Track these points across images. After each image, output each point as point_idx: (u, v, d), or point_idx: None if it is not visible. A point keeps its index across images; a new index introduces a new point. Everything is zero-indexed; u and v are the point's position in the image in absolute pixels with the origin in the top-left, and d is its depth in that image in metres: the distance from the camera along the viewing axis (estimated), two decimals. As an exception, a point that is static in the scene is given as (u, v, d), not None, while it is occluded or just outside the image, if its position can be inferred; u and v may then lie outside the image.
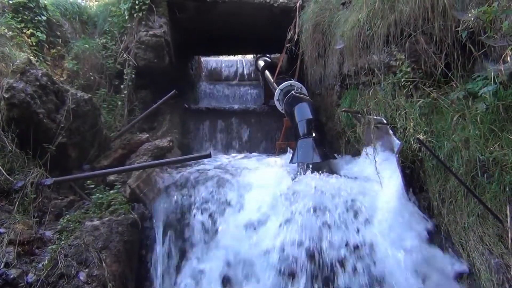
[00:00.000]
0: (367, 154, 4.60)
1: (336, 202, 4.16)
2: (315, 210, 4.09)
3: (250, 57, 13.54)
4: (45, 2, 6.95)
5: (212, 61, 13.29)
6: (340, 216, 4.05)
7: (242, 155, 7.34)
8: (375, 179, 4.33)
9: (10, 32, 6.10)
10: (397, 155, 4.12)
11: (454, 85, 4.12)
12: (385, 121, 4.46)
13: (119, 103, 6.99)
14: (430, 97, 4.24)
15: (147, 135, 5.74)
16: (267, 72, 9.54)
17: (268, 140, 8.46)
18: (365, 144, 4.95)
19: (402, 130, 4.31)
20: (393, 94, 4.65)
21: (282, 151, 6.89)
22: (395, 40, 4.74)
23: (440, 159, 3.56)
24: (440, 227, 3.86)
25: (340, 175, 4.66)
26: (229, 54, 12.58)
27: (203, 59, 13.00)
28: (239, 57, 13.57)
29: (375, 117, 4.60)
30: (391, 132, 4.34)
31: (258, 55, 12.06)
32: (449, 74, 4.21)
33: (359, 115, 4.95)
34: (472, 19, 3.69)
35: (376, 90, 4.84)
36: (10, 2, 6.49)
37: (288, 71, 8.58)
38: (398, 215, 3.89)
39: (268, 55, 11.79)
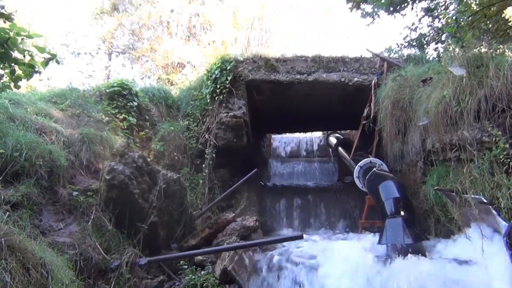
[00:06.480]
0: (468, 236, 4.28)
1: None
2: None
3: (318, 133, 13.67)
4: (137, 89, 7.60)
5: (281, 138, 13.53)
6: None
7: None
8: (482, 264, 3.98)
9: (107, 118, 6.67)
10: (505, 238, 3.81)
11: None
12: (485, 201, 4.18)
13: (200, 181, 7.22)
14: (535, 174, 3.98)
15: (233, 214, 5.80)
16: (340, 149, 9.50)
17: (346, 218, 8.19)
18: (463, 225, 4.63)
19: (507, 210, 4.01)
20: (491, 171, 4.42)
21: (366, 230, 6.62)
22: (486, 115, 4.61)
23: None
24: None
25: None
26: (299, 132, 12.77)
27: (273, 136, 13.29)
28: (307, 134, 13.73)
29: (474, 196, 4.34)
30: (495, 212, 4.04)
31: (329, 132, 12.13)
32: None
33: (453, 193, 4.70)
34: None
35: (471, 167, 4.63)
36: (107, 90, 7.17)
37: (361, 148, 8.48)
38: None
39: (338, 131, 11.82)
